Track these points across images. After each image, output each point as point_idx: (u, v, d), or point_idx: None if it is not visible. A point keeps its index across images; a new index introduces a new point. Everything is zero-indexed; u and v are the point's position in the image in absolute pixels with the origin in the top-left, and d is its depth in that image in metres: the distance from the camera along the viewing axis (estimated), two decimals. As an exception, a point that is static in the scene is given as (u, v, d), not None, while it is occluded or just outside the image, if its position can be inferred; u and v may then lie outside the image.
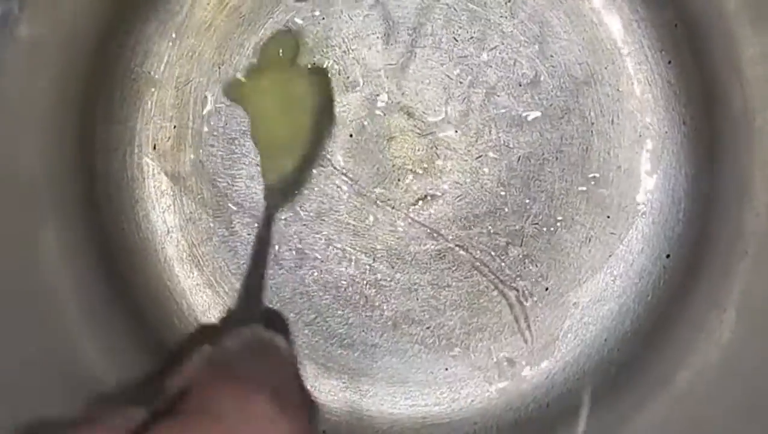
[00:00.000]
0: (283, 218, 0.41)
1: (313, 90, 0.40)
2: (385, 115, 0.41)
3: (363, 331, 0.42)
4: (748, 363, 0.36)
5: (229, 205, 0.42)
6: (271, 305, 0.42)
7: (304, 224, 0.41)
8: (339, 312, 0.42)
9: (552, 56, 0.41)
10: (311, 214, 0.41)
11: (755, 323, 0.37)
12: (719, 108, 0.39)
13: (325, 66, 0.41)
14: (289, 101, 0.39)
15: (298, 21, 0.41)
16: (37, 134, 0.38)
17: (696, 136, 0.41)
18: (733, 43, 0.38)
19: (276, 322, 0.41)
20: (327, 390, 0.42)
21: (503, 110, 0.41)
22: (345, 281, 0.41)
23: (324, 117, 0.40)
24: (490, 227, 0.41)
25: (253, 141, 0.40)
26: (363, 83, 0.41)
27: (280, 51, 0.40)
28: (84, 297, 0.39)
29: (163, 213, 0.42)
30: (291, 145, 0.39)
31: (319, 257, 0.41)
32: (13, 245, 0.37)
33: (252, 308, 0.41)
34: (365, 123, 0.41)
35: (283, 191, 0.40)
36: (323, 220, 0.41)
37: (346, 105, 0.41)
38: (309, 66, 0.40)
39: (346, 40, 0.41)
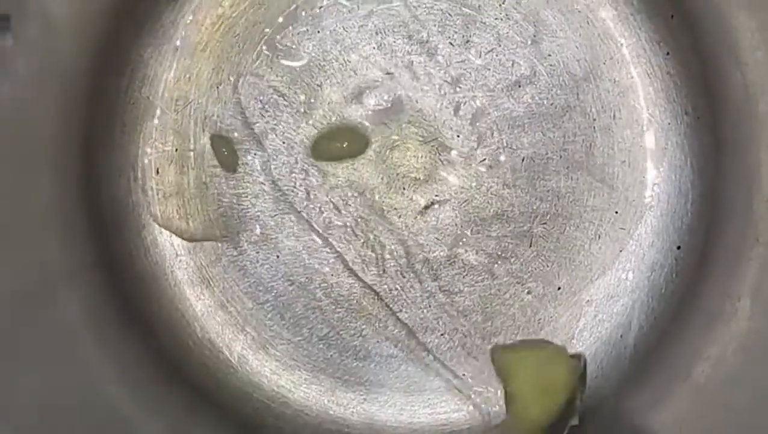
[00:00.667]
0: (290, 233, 0.41)
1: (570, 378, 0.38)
2: (386, 125, 0.41)
3: (378, 342, 0.41)
4: (765, 351, 0.36)
5: (236, 223, 0.41)
6: (284, 322, 0.41)
7: (313, 239, 0.41)
8: (352, 325, 0.41)
9: (549, 55, 0.41)
10: (319, 228, 0.41)
11: (770, 310, 0.36)
12: (721, 96, 0.39)
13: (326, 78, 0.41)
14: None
15: (294, 37, 0.41)
16: (41, 165, 0.38)
17: (699, 126, 0.40)
18: (730, 30, 0.38)
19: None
20: (345, 403, 0.42)
21: (504, 112, 0.41)
22: (357, 293, 0.41)
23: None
24: (498, 230, 0.41)
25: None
26: (361, 95, 0.41)
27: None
28: (96, 325, 0.39)
29: (171, 237, 0.42)
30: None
31: (329, 270, 0.41)
32: (22, 273, 0.37)
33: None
34: (367, 134, 0.41)
35: None
36: (331, 233, 0.41)
37: (347, 117, 0.41)
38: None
39: (342, 51, 0.41)
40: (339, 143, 0.41)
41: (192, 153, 0.41)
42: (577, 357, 0.39)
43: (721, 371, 0.37)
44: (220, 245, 0.42)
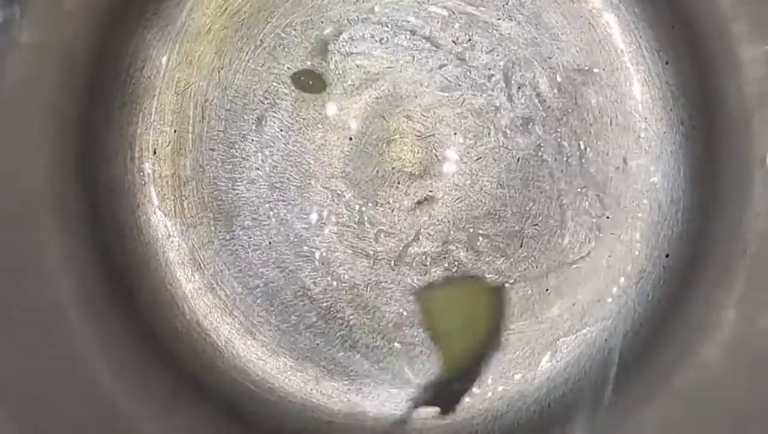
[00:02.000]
0: (283, 220, 0.41)
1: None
2: (384, 118, 0.41)
3: (364, 333, 0.42)
4: (748, 362, 0.36)
5: (230, 208, 0.42)
6: (272, 309, 0.42)
7: (305, 227, 0.41)
8: (340, 315, 0.42)
9: (550, 57, 0.41)
10: (312, 217, 0.41)
11: (755, 322, 0.37)
12: (717, 108, 0.39)
13: (324, 71, 0.41)
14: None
15: (297, 26, 0.41)
16: (38, 139, 0.38)
17: (694, 136, 0.41)
18: (730, 42, 0.38)
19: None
20: (329, 393, 0.42)
21: (502, 112, 0.41)
22: (346, 283, 0.42)
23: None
24: (489, 229, 0.41)
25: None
26: (362, 87, 0.41)
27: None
28: (85, 302, 0.39)
29: (164, 217, 0.42)
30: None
31: (320, 259, 0.42)
32: (14, 249, 0.37)
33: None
34: (364, 126, 0.41)
35: None
36: (323, 223, 0.41)
37: (345, 108, 0.41)
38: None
39: (345, 43, 0.41)
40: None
41: (190, 135, 0.42)
42: (499, 288, 0.40)
43: (704, 379, 0.38)
44: (212, 228, 0.42)
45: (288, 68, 0.41)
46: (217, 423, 0.41)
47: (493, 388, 0.42)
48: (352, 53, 0.41)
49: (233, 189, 0.42)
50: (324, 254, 0.42)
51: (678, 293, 0.41)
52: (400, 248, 0.41)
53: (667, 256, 0.41)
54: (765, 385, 0.35)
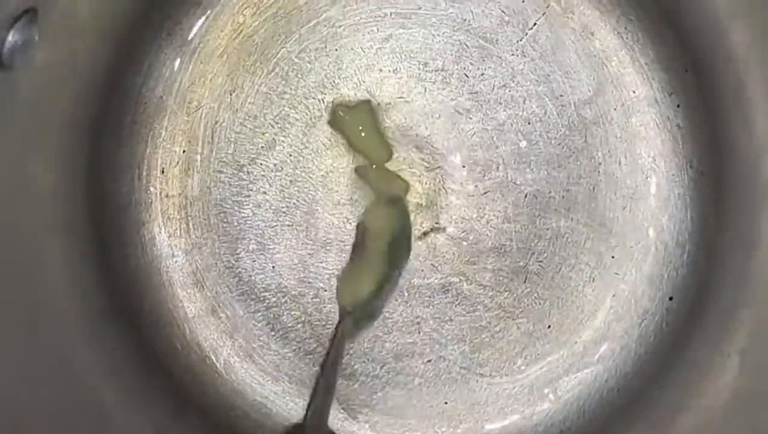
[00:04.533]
0: (288, 245, 0.41)
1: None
2: (393, 147, 0.41)
3: (364, 362, 0.42)
4: (751, 409, 0.36)
5: (235, 231, 0.42)
6: (273, 333, 0.42)
7: (310, 253, 0.41)
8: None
9: (561, 96, 0.41)
10: (317, 243, 0.41)
11: (760, 370, 0.36)
12: (726, 155, 0.39)
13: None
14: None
15: (311, 52, 0.41)
16: (49, 153, 0.38)
17: (702, 180, 0.41)
18: (742, 88, 0.38)
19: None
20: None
21: (511, 147, 0.41)
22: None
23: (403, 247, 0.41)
24: (494, 263, 0.41)
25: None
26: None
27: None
28: (87, 319, 0.39)
29: (169, 237, 0.42)
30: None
31: (323, 286, 0.41)
32: (18, 262, 0.37)
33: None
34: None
35: (357, 320, 0.41)
36: (328, 250, 0.41)
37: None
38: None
39: (358, 72, 0.41)
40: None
41: (199, 156, 0.42)
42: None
43: (705, 424, 0.37)
44: (216, 250, 0.42)
45: (302, 95, 0.41)
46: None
47: (491, 424, 0.41)
48: (365, 81, 0.41)
49: (239, 212, 0.42)
50: (327, 280, 0.41)
51: (681, 337, 0.41)
52: (404, 278, 0.41)
53: (671, 299, 0.41)
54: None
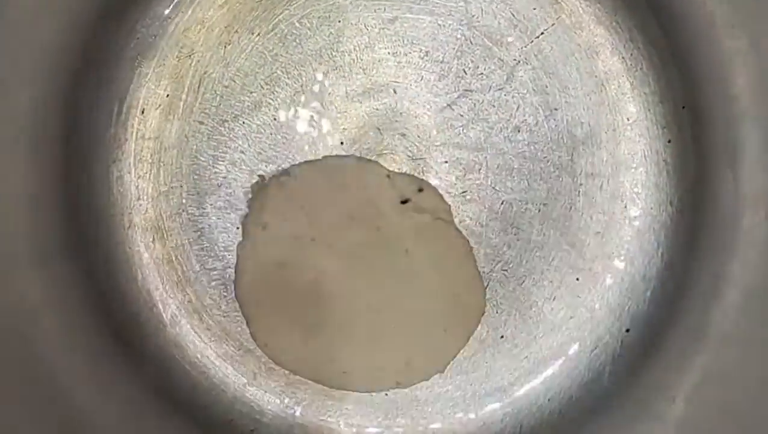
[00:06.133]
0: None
1: None
2: (379, 130, 0.41)
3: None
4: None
5: (206, 186, 0.41)
6: (225, 294, 0.41)
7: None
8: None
9: (556, 109, 0.41)
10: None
11: (702, 419, 0.36)
12: (709, 199, 0.39)
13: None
14: None
15: (314, 19, 0.40)
16: (28, 70, 0.37)
17: (680, 221, 0.40)
18: (736, 139, 0.38)
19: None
20: (263, 391, 0.41)
21: (496, 151, 0.41)
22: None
23: None
24: (459, 264, 0.41)
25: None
26: (364, 94, 0.41)
27: None
28: (40, 248, 0.38)
29: (138, 179, 0.41)
30: None
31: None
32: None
33: None
34: (358, 134, 0.41)
35: None
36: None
37: (343, 112, 0.41)
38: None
39: (357, 48, 0.40)
40: None
41: (182, 103, 0.41)
42: None
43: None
44: (183, 201, 0.41)
45: (297, 61, 0.41)
46: (146, 395, 0.40)
47: (426, 425, 0.41)
48: (362, 59, 0.40)
49: (213, 167, 0.41)
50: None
51: (631, 371, 0.40)
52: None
53: (628, 331, 0.41)
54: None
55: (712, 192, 0.39)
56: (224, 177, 0.41)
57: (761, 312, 0.36)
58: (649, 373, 0.39)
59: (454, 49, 0.40)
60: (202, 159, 0.41)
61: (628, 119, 0.41)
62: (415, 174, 0.40)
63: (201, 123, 0.41)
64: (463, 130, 0.41)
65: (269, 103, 0.41)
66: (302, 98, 0.41)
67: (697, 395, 0.36)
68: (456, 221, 0.41)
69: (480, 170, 0.41)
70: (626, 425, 0.39)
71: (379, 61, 0.41)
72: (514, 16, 0.40)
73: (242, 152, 0.41)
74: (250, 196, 0.41)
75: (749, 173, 0.37)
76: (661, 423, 0.37)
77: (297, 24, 0.41)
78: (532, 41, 0.40)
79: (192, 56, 0.41)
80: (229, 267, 0.41)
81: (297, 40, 0.41)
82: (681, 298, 0.40)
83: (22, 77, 0.37)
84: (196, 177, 0.41)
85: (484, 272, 0.41)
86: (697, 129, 0.39)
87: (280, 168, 0.41)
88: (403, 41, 0.41)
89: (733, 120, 0.38)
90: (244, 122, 0.41)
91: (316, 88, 0.41)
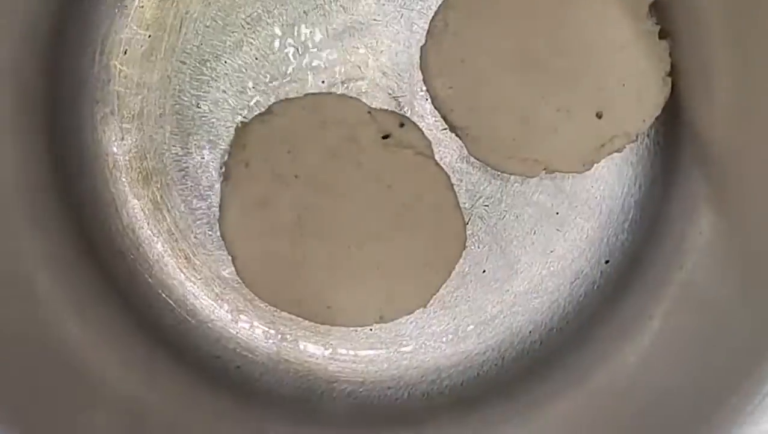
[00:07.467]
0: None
1: None
2: (359, 68, 0.41)
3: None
4: (661, 370, 0.37)
5: (189, 125, 0.41)
6: (210, 234, 0.41)
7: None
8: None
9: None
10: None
11: (676, 335, 0.37)
12: (684, 127, 0.40)
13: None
14: None
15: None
16: (10, 14, 0.37)
17: (658, 150, 0.41)
18: (707, 58, 0.38)
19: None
20: (248, 327, 0.42)
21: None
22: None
23: None
24: (440, 199, 0.41)
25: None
26: (344, 33, 0.41)
27: None
28: (27, 190, 0.39)
29: (122, 120, 0.41)
30: None
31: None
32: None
33: None
34: (339, 73, 0.41)
35: None
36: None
37: (324, 50, 0.41)
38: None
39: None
40: None
41: (164, 44, 0.41)
42: None
43: (618, 382, 0.38)
44: (167, 141, 0.41)
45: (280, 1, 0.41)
46: (133, 333, 0.41)
47: (411, 357, 0.42)
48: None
49: (196, 107, 0.41)
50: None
51: (610, 300, 0.41)
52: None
53: (607, 262, 0.42)
54: (673, 392, 0.35)
55: (686, 120, 0.40)
56: (207, 117, 0.41)
57: (733, 235, 0.36)
58: (628, 299, 0.40)
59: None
60: (185, 99, 0.41)
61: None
62: (396, 111, 0.41)
63: (183, 63, 0.41)
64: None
65: (251, 43, 0.41)
66: (283, 37, 0.41)
67: (672, 313, 0.37)
68: (437, 157, 0.41)
69: (460, 105, 0.41)
70: (605, 349, 0.39)
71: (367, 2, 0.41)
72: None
73: (224, 91, 0.41)
74: (232, 135, 0.41)
75: (722, 95, 0.37)
76: (638, 341, 0.38)
77: (277, -38, 0.41)
78: None
79: (175, -4, 0.41)
80: (214, 206, 0.41)
81: (277, -21, 0.41)
82: (658, 223, 0.40)
83: (4, 18, 0.37)
84: (179, 117, 0.41)
85: (465, 207, 0.41)
86: (674, 56, 0.40)
87: (262, 107, 0.41)
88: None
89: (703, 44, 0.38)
90: (225, 62, 0.41)
91: (296, 27, 0.41)
